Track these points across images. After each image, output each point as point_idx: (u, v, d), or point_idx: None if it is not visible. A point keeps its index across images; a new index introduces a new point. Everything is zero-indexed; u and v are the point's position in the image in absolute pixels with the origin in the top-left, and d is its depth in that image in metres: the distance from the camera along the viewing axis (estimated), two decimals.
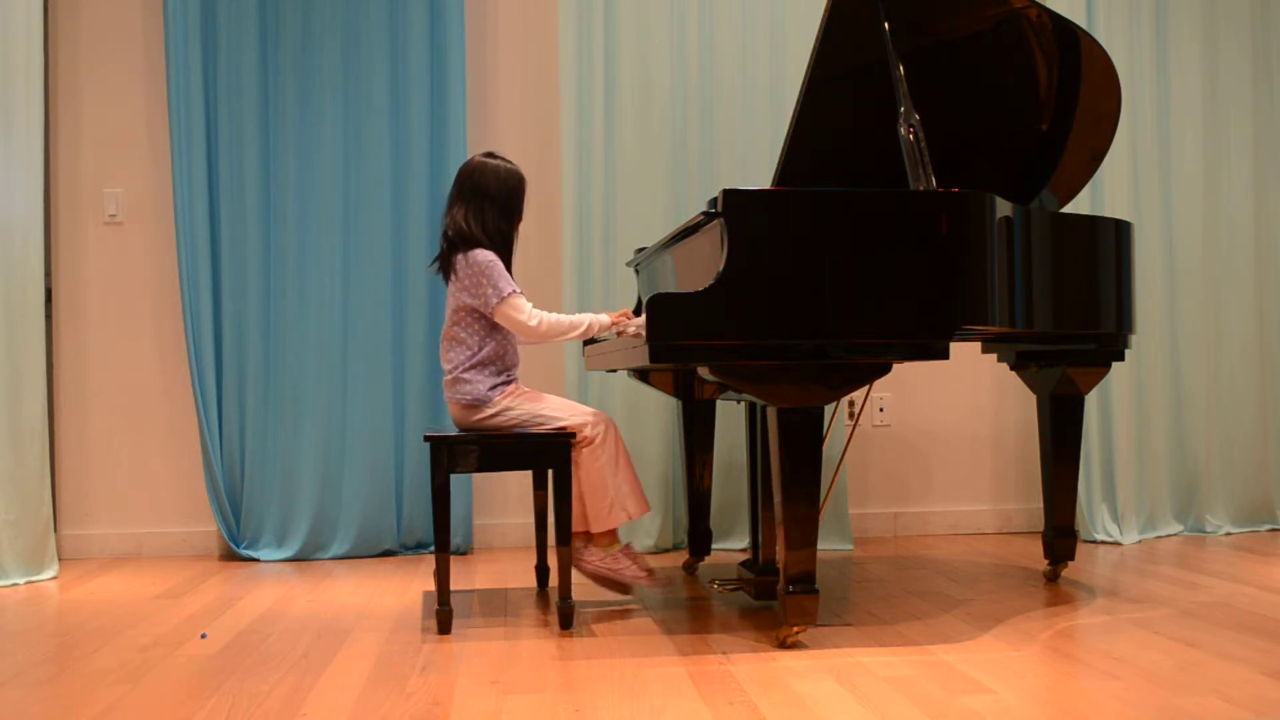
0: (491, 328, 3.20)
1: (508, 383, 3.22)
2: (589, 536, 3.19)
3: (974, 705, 2.30)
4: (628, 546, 3.21)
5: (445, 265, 3.24)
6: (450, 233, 3.22)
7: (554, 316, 3.17)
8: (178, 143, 4.26)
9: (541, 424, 3.15)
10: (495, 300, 3.13)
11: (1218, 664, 2.58)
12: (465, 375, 3.18)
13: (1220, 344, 4.65)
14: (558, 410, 3.18)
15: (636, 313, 3.78)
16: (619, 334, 3.21)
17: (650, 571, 3.20)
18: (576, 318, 3.20)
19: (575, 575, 3.16)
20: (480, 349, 3.19)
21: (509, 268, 3.22)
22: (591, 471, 3.12)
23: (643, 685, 2.48)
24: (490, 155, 3.32)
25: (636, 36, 4.40)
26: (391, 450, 4.35)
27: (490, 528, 4.52)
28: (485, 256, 3.16)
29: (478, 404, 3.18)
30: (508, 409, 3.17)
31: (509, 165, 3.29)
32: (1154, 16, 4.59)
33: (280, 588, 3.74)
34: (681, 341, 2.66)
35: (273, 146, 4.32)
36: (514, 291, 3.15)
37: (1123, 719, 2.21)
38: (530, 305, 3.16)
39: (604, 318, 3.22)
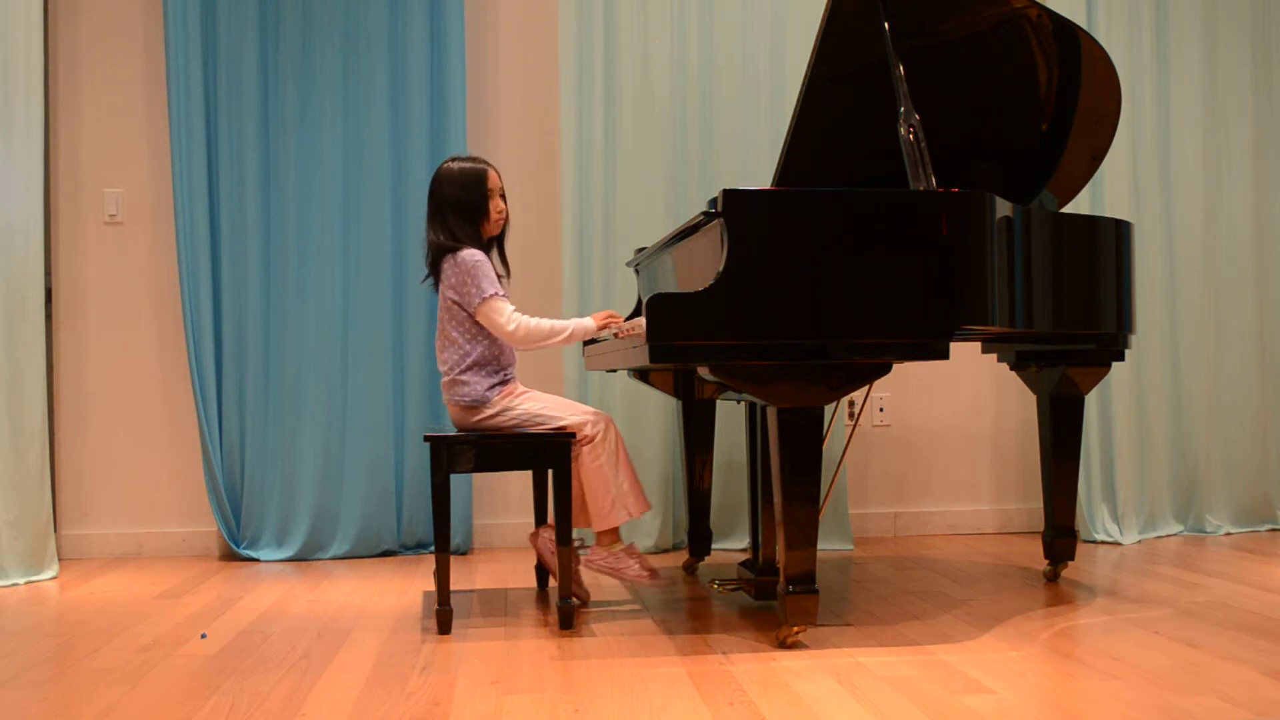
0: (483, 327, 3.20)
1: (505, 382, 3.22)
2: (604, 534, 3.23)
3: (974, 705, 2.30)
4: (631, 546, 3.21)
5: (435, 276, 3.26)
6: (431, 250, 3.25)
7: (534, 322, 3.15)
8: (178, 143, 4.26)
9: (541, 423, 3.15)
10: (478, 300, 3.14)
11: (1218, 664, 2.58)
12: (462, 377, 3.19)
13: (1220, 344, 4.65)
14: (557, 409, 3.18)
15: (636, 313, 3.78)
16: (617, 334, 3.21)
17: (653, 571, 3.20)
18: (558, 324, 3.17)
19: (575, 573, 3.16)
20: (474, 349, 3.19)
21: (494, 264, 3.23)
22: (592, 470, 3.12)
23: (643, 685, 2.48)
24: (452, 159, 3.31)
25: (636, 36, 4.40)
26: (391, 450, 4.35)
27: (490, 528, 4.52)
28: (473, 256, 3.16)
29: (476, 405, 3.18)
30: (507, 409, 3.17)
31: (464, 164, 3.26)
32: (1154, 16, 4.59)
33: (280, 588, 3.74)
34: (681, 341, 2.66)
35: (273, 146, 4.32)
36: (496, 294, 3.13)
37: (1123, 719, 2.21)
38: (511, 309, 3.15)
39: (589, 322, 3.19)
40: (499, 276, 3.29)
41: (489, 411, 3.17)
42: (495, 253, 3.34)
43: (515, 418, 3.16)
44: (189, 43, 4.27)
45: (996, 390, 4.75)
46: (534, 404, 3.19)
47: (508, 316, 3.13)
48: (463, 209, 3.23)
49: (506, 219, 3.33)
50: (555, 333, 3.16)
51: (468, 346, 3.19)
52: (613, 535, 3.19)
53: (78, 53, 4.43)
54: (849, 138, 3.36)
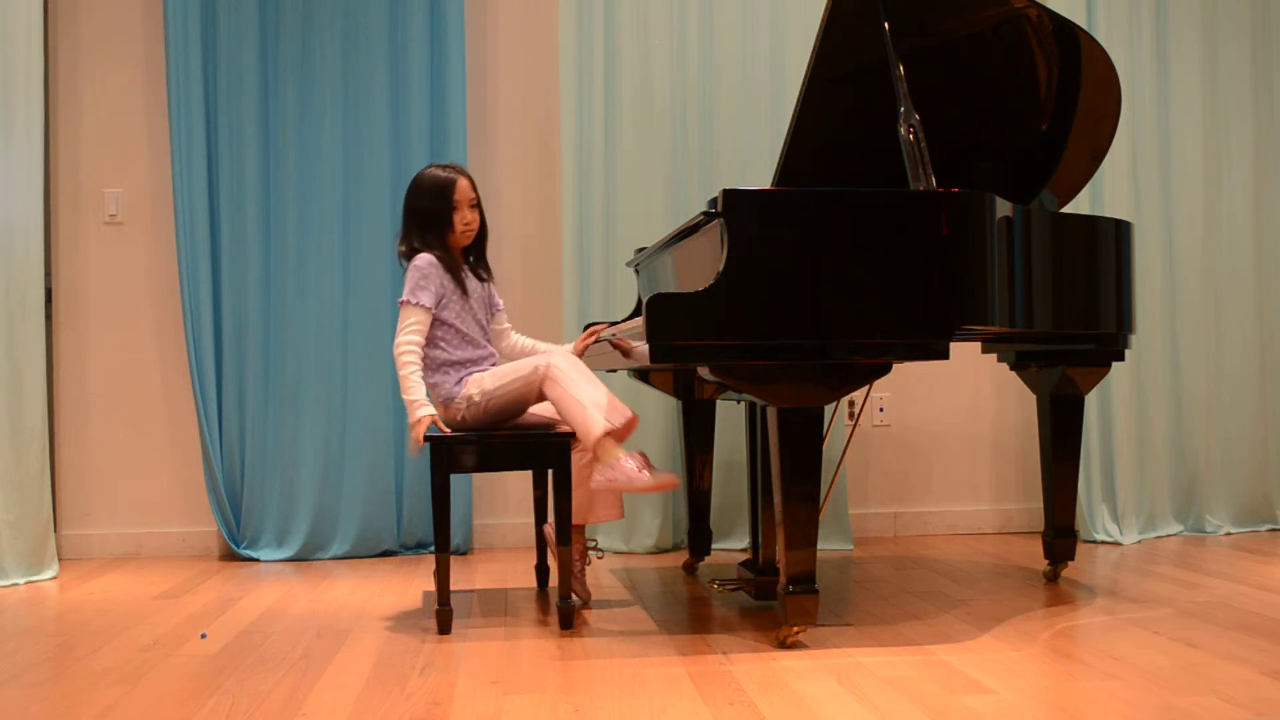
0: (435, 328, 3.20)
1: (469, 374, 3.22)
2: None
3: (974, 705, 2.30)
4: (638, 454, 2.99)
5: None
6: (400, 260, 3.30)
7: (404, 358, 3.11)
8: (178, 143, 4.27)
9: (504, 395, 3.12)
10: (400, 299, 3.18)
11: (1218, 664, 2.58)
12: (433, 379, 3.20)
13: (1220, 344, 4.65)
14: (504, 375, 3.15)
15: (636, 313, 3.79)
16: (613, 340, 3.21)
17: (651, 468, 2.97)
18: (410, 383, 3.10)
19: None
20: (434, 352, 3.20)
21: (452, 268, 3.21)
22: (557, 398, 3.03)
23: (643, 685, 2.48)
24: (430, 166, 3.33)
25: (636, 36, 4.40)
26: (391, 450, 4.35)
27: (490, 528, 4.53)
28: (421, 260, 3.18)
29: (448, 403, 3.18)
30: (470, 399, 3.16)
31: (435, 173, 3.26)
32: (1154, 16, 4.59)
33: (280, 588, 3.74)
34: (681, 341, 2.66)
35: (273, 146, 4.33)
36: (409, 301, 3.15)
37: (1123, 719, 2.21)
38: (413, 327, 3.13)
39: (424, 411, 3.06)
40: (466, 282, 3.26)
41: (461, 407, 3.16)
42: (482, 262, 3.34)
43: (480, 404, 3.14)
44: (189, 43, 4.27)
45: (996, 390, 4.75)
46: (489, 382, 3.16)
47: (401, 328, 3.15)
48: (427, 219, 3.23)
49: (480, 230, 3.30)
50: (403, 385, 3.12)
51: (429, 350, 3.20)
52: (605, 446, 2.96)
53: (78, 53, 4.43)
54: (849, 138, 3.35)
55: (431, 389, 3.19)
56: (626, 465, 2.94)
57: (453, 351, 3.22)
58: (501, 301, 3.43)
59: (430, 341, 3.19)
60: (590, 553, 3.42)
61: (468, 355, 3.22)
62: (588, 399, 2.98)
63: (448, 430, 3.10)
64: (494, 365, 3.27)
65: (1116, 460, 4.45)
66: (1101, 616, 3.12)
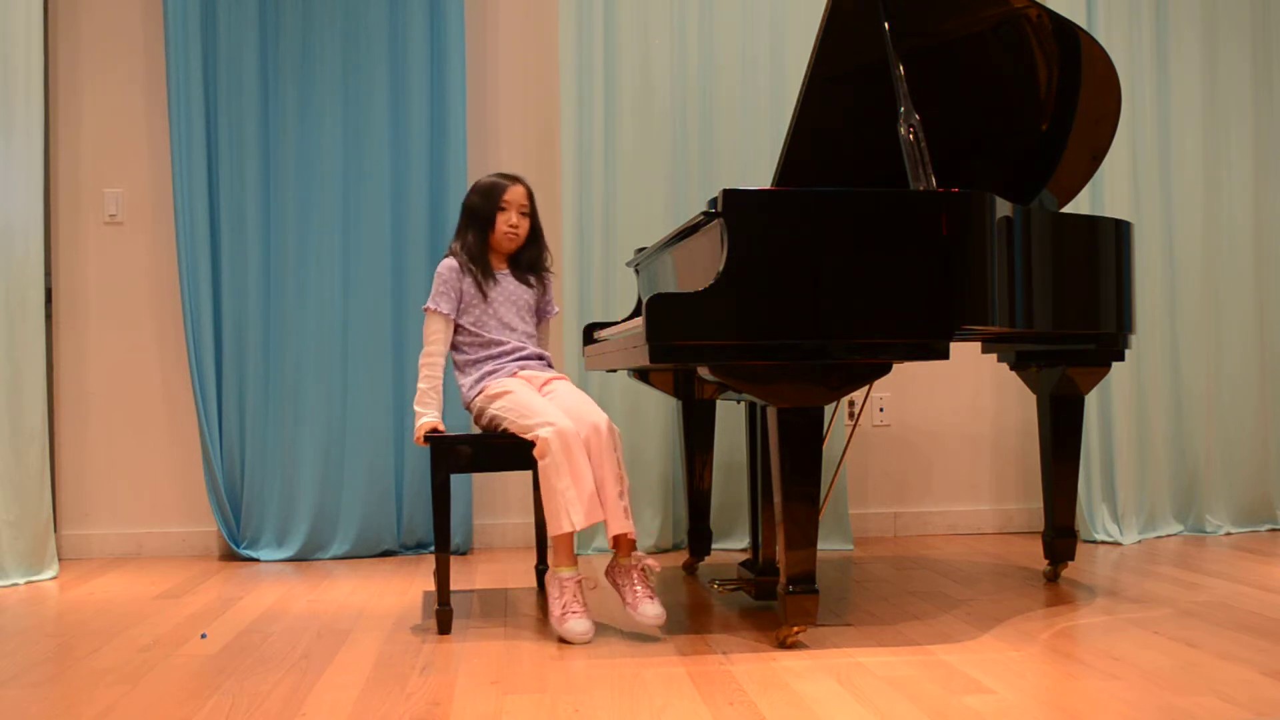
0: (456, 331, 3.30)
1: (481, 379, 3.25)
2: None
3: (974, 705, 2.30)
4: (576, 578, 2.94)
5: None
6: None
7: (424, 371, 3.24)
8: (178, 143, 4.26)
9: (498, 422, 3.12)
10: (424, 305, 3.30)
11: (1218, 664, 2.58)
12: (459, 381, 3.30)
13: (1220, 344, 4.65)
14: (510, 409, 3.08)
15: (636, 313, 3.79)
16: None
17: (574, 617, 2.89)
18: (426, 398, 3.20)
19: None
20: (455, 352, 3.31)
21: (475, 272, 3.26)
22: (540, 471, 2.96)
23: (643, 685, 2.48)
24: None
25: (636, 36, 4.40)
26: (391, 450, 4.35)
27: (490, 528, 4.52)
28: (442, 266, 3.28)
29: (468, 407, 3.28)
30: (482, 411, 3.21)
31: (493, 176, 3.36)
32: (1154, 16, 4.59)
33: (280, 588, 3.74)
34: (681, 341, 2.66)
35: (273, 146, 4.33)
36: (429, 309, 3.26)
37: (1123, 719, 2.21)
38: (433, 336, 3.25)
39: (425, 421, 3.14)
40: (493, 287, 3.28)
41: (475, 412, 3.25)
42: (531, 269, 3.38)
43: (493, 420, 3.16)
44: (189, 43, 4.27)
45: (996, 390, 4.75)
46: (498, 404, 3.13)
47: (425, 337, 3.27)
48: (473, 215, 3.32)
49: (526, 236, 3.34)
50: (419, 388, 3.24)
51: (452, 353, 3.32)
52: (560, 544, 2.95)
53: (78, 53, 4.43)
54: (849, 138, 3.35)
55: (458, 389, 3.30)
56: (560, 599, 2.91)
57: (470, 353, 3.30)
58: (555, 309, 3.48)
59: (453, 344, 3.30)
60: (650, 563, 3.04)
61: (485, 354, 3.28)
62: (564, 492, 2.91)
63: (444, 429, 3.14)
64: (522, 359, 3.29)
65: (1116, 460, 4.45)
66: (1101, 616, 3.12)
